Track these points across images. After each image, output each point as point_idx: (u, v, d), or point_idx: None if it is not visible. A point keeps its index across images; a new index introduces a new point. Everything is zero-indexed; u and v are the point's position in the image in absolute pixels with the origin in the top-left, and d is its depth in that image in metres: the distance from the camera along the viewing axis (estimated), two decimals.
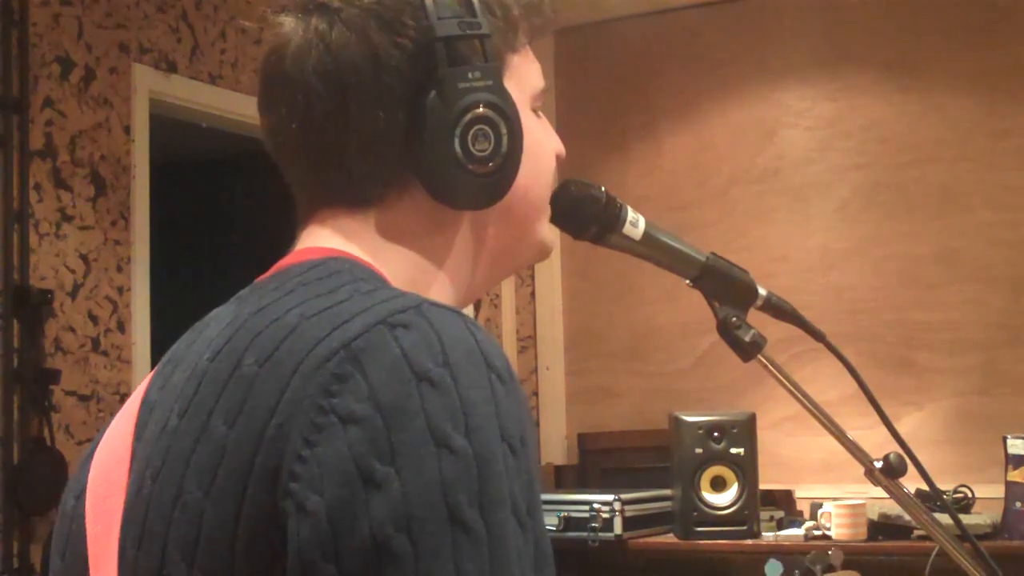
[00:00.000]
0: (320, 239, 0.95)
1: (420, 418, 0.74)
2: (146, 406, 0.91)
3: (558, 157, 1.05)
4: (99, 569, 0.87)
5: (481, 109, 0.92)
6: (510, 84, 0.96)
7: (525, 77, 1.00)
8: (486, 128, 0.93)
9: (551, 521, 3.82)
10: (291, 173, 0.98)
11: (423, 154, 0.92)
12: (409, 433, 0.73)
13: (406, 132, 0.92)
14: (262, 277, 0.94)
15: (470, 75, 0.92)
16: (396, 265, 0.94)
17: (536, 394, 4.79)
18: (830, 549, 3.05)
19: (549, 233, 1.05)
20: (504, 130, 0.94)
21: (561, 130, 1.05)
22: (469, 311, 4.58)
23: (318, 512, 0.72)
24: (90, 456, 0.95)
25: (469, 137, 0.92)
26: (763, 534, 3.78)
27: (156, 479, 0.83)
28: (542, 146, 1.01)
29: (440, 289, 0.96)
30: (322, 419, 0.75)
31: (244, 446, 0.77)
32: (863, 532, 3.61)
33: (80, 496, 0.93)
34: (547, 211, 1.04)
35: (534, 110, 1.01)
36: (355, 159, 0.93)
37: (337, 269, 0.88)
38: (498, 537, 0.73)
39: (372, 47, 0.91)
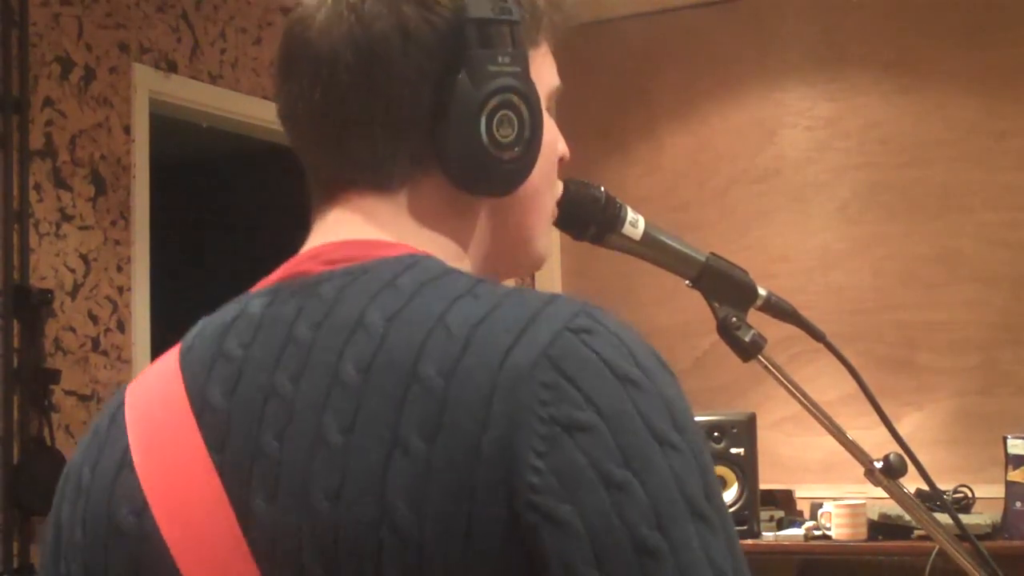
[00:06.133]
0: (353, 226, 0.91)
1: (638, 419, 0.76)
2: (210, 413, 0.84)
3: (563, 159, 1.03)
4: None
5: (510, 94, 0.91)
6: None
7: (543, 74, 0.98)
8: (511, 114, 0.91)
9: None
10: (308, 147, 0.94)
11: (447, 134, 0.90)
12: (633, 435, 0.76)
13: (432, 111, 0.90)
14: (323, 270, 0.87)
15: (500, 59, 0.90)
16: (426, 250, 0.90)
17: None
18: None
19: (547, 241, 1.02)
20: (528, 118, 0.92)
21: (561, 130, 1.04)
22: None
23: (572, 521, 0.73)
24: (126, 465, 0.88)
25: (495, 121, 0.90)
26: (763, 534, 3.78)
27: (337, 499, 0.77)
28: (552, 146, 1.00)
29: None
30: (545, 429, 0.75)
31: (456, 462, 0.75)
32: (863, 532, 3.61)
33: (142, 514, 0.84)
34: (551, 215, 1.02)
35: (547, 109, 0.99)
36: (379, 134, 0.90)
37: (437, 268, 0.86)
38: (726, 523, 0.78)
39: (403, 21, 0.89)
